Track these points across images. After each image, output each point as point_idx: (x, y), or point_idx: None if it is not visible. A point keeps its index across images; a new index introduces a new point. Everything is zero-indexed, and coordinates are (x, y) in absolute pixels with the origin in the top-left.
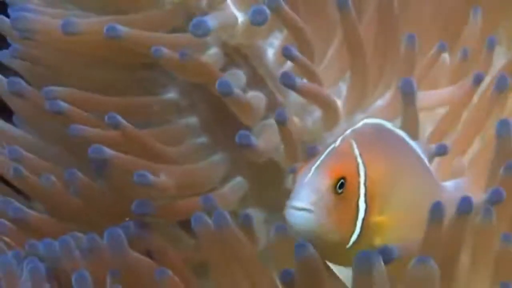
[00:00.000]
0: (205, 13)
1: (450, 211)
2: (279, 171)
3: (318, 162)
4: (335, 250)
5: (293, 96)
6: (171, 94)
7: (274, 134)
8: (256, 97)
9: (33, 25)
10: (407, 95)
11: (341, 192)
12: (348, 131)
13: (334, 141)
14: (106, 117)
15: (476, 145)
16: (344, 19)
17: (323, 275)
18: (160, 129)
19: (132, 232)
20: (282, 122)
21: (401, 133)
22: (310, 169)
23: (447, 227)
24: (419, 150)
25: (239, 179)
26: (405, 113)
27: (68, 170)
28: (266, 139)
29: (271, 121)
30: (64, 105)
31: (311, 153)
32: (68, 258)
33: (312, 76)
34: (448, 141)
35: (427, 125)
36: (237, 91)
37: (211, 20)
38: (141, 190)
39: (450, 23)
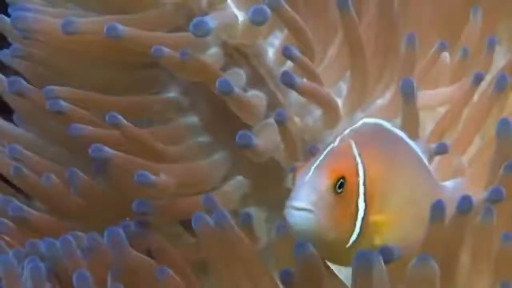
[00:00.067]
0: (205, 13)
1: (449, 210)
2: (280, 170)
3: (317, 162)
4: (335, 250)
5: (294, 95)
6: (172, 94)
7: (274, 133)
8: (256, 96)
9: (33, 25)
10: (407, 94)
11: (341, 192)
12: (347, 131)
13: (333, 141)
14: (106, 117)
15: (476, 144)
16: (344, 19)
17: (323, 274)
18: (160, 128)
19: (133, 231)
20: (281, 122)
21: (400, 133)
22: (309, 169)
23: (447, 226)
24: (418, 150)
25: (239, 178)
26: (405, 112)
27: (68, 169)
28: (266, 138)
29: (272, 120)
30: (64, 104)
31: (311, 152)
32: (69, 257)
33: (312, 76)
34: (448, 140)
35: (427, 124)
36: (237, 90)
37: (212, 20)
38: (141, 190)
39: (450, 23)
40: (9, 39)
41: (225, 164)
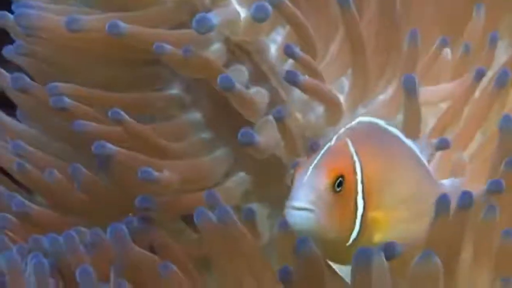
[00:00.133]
0: (208, 9)
1: None
2: (282, 167)
3: (315, 162)
4: (335, 249)
5: (297, 92)
6: (175, 90)
7: (276, 130)
8: (258, 92)
9: (36, 22)
10: (409, 90)
11: (340, 191)
12: (342, 130)
13: (330, 140)
14: (109, 113)
15: (477, 140)
16: (345, 16)
17: (324, 270)
18: (163, 125)
19: (135, 227)
20: (280, 119)
21: (395, 131)
22: (307, 169)
23: (448, 222)
24: (414, 148)
25: (241, 174)
26: (407, 108)
27: (72, 165)
28: (268, 136)
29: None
30: (68, 101)
31: (312, 148)
32: (72, 253)
33: (314, 73)
34: (449, 136)
35: (429, 119)
36: (238, 86)
37: (215, 17)
38: (144, 186)
39: (452, 20)
40: (13, 36)
41: (227, 160)
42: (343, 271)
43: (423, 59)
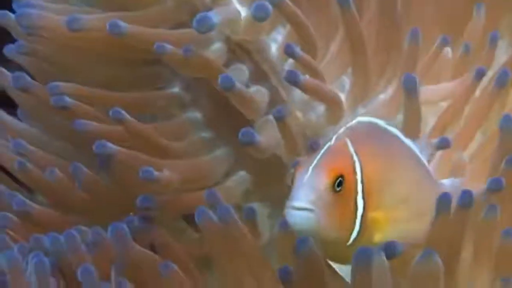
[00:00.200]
0: (209, 8)
1: None
2: (282, 166)
3: (315, 162)
4: (336, 249)
5: (297, 92)
6: (175, 89)
7: (276, 129)
8: (259, 91)
9: (37, 21)
10: (410, 89)
11: (340, 191)
12: (342, 129)
13: (329, 140)
14: (110, 112)
15: (477, 140)
16: (345, 16)
17: (324, 270)
18: (164, 124)
19: (136, 226)
20: (280, 119)
21: (395, 131)
22: (307, 169)
23: (448, 221)
24: (414, 148)
25: (242, 173)
26: (407, 107)
27: (73, 164)
28: (268, 135)
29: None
30: (69, 100)
31: (312, 148)
32: (74, 252)
33: (314, 73)
34: (450, 135)
35: (429, 119)
36: (238, 85)
37: (215, 16)
38: (145, 185)
39: (453, 20)
40: (14, 35)
41: (228, 160)
42: (343, 271)
43: (423, 59)
